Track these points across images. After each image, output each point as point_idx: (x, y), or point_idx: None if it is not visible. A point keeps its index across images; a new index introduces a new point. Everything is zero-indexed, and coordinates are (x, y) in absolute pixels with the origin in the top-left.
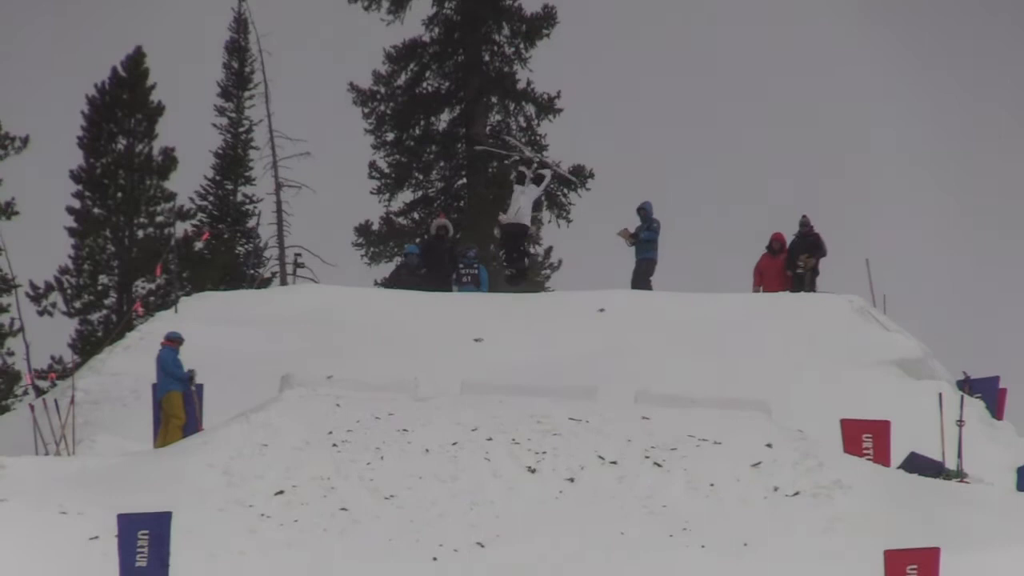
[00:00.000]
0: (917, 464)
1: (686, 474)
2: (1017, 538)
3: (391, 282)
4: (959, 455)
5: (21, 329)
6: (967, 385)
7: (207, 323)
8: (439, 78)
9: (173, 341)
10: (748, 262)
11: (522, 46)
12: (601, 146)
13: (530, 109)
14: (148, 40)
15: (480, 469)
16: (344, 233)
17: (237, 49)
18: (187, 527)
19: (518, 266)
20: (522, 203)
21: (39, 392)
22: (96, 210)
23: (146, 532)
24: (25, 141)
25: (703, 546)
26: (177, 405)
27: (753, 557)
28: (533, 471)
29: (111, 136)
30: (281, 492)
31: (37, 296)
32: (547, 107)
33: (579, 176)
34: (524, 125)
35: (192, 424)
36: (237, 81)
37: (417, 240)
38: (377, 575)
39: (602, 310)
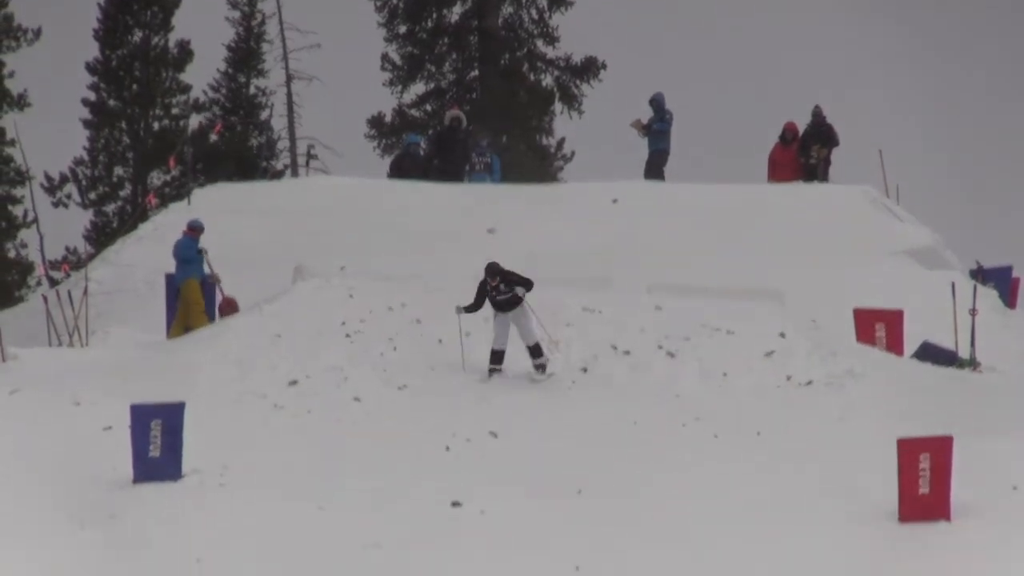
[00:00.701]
0: (930, 353)
1: (699, 364)
2: None
3: (392, 172)
4: (972, 344)
5: (35, 221)
6: (980, 274)
7: (220, 214)
8: None
9: (194, 230)
10: (761, 153)
11: None
12: (614, 38)
13: (542, 1)
14: None
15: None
16: (356, 125)
17: None
18: (200, 418)
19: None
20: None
21: (53, 283)
22: (111, 102)
23: (159, 422)
24: (38, 33)
25: (716, 435)
26: (195, 291)
27: (766, 446)
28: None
29: (127, 28)
30: (295, 382)
31: (51, 188)
32: None
33: (592, 68)
34: (536, 17)
35: (211, 311)
36: None
37: (429, 131)
38: (390, 464)
39: (615, 201)
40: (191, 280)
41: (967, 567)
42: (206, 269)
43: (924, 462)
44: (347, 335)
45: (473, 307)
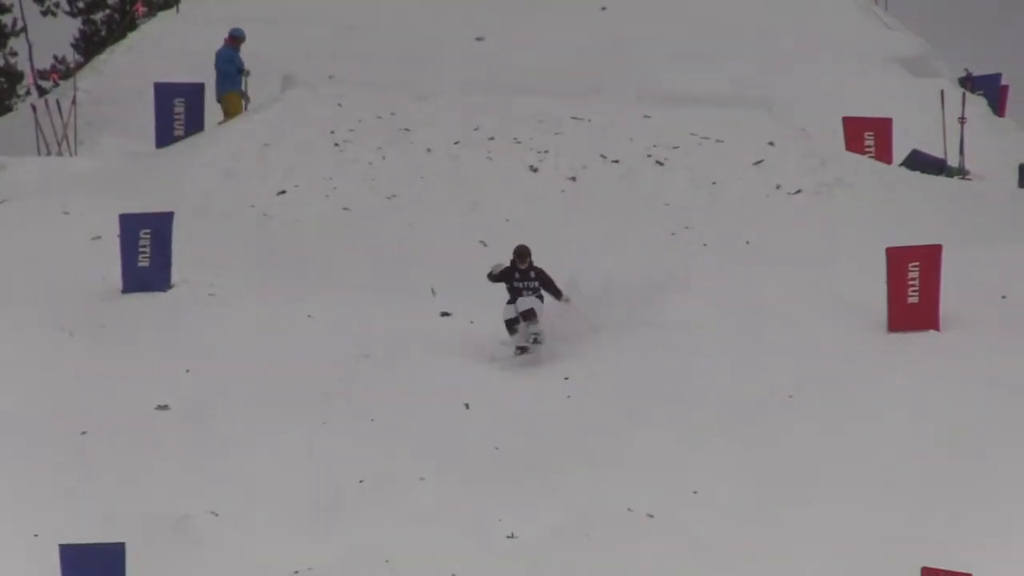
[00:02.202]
0: (919, 161)
1: (688, 172)
2: (1018, 235)
3: None
4: (961, 152)
5: (24, 29)
6: (969, 82)
7: (208, 24)
8: None
9: (234, 39)
10: None
11: None
12: None
13: None
14: None
15: (482, 168)
16: None
17: None
18: (189, 228)
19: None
20: None
21: (41, 92)
22: None
23: (148, 232)
24: None
25: (705, 244)
26: (235, 104)
27: (755, 254)
28: (535, 170)
29: None
30: (283, 192)
31: None
32: None
33: None
34: None
35: None
36: None
37: None
38: (381, 273)
39: (604, 8)
40: (231, 94)
41: (956, 374)
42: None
43: (913, 271)
44: (336, 144)
45: (498, 278)
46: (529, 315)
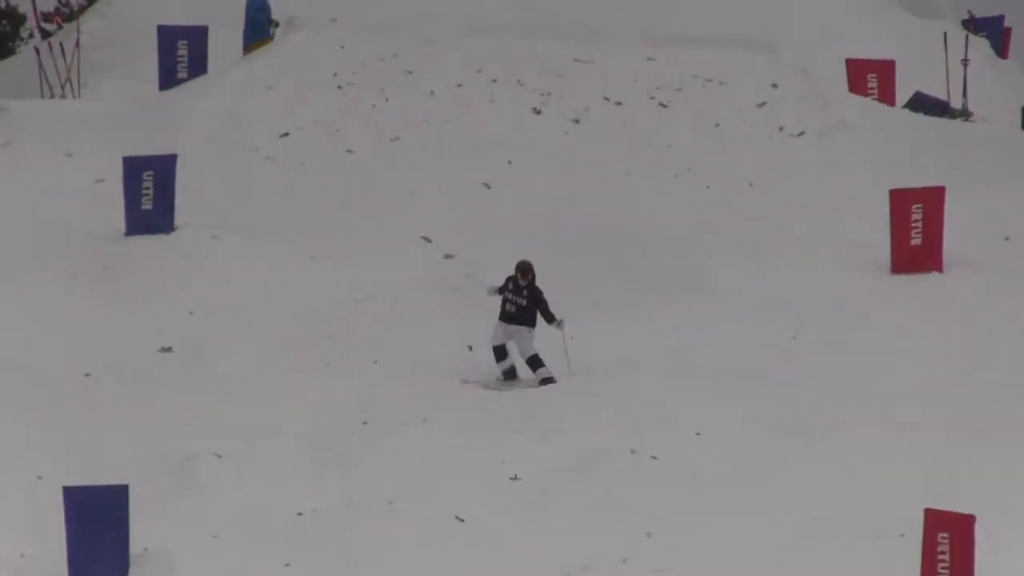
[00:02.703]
0: (922, 103)
1: (691, 114)
2: (1021, 176)
3: None
4: (964, 94)
5: None
6: (972, 24)
7: None
8: None
9: None
10: None
11: None
12: None
13: None
14: None
15: (485, 111)
16: None
17: None
18: (192, 170)
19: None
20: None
21: (45, 35)
22: None
23: (151, 174)
24: None
25: (708, 186)
26: None
27: (758, 196)
28: (538, 112)
29: None
30: (286, 135)
31: None
32: None
33: None
34: None
35: None
36: None
37: None
38: (383, 215)
39: None
40: (262, 42)
41: (958, 316)
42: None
43: (916, 213)
44: (339, 87)
45: (500, 291)
46: (534, 363)
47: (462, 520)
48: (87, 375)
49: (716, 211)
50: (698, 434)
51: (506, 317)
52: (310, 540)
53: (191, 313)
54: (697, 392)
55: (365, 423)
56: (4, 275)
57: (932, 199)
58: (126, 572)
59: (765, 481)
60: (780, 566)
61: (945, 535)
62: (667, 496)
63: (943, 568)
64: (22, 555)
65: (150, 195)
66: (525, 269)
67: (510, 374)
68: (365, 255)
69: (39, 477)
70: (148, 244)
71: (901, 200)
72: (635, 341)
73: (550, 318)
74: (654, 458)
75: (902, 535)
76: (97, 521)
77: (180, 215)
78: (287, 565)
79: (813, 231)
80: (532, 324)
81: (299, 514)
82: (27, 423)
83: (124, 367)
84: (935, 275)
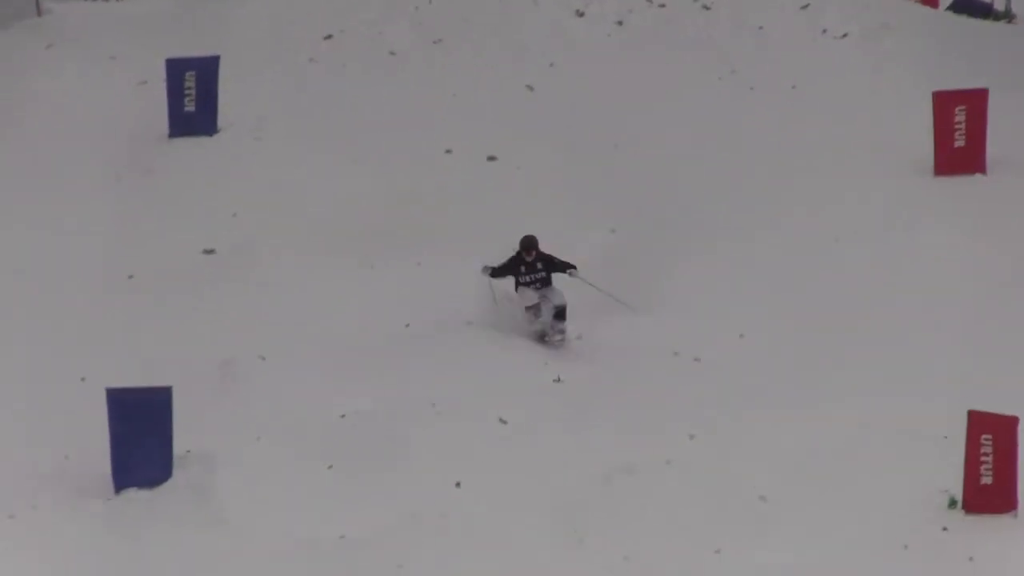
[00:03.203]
0: (965, 5)
1: (734, 15)
2: None
3: None
4: None
5: None
6: None
7: None
8: None
9: None
10: None
11: None
12: None
13: None
14: None
15: (528, 13)
16: None
17: None
18: (236, 72)
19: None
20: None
21: None
22: None
23: (194, 75)
24: None
25: (752, 88)
26: None
27: (801, 99)
28: (581, 15)
29: None
30: (330, 36)
31: None
32: None
33: None
34: None
35: None
36: None
37: None
38: (426, 119)
39: None
40: None
41: (1002, 218)
42: None
43: (960, 115)
44: None
45: (500, 272)
46: (561, 313)
47: (505, 422)
48: (130, 277)
49: (759, 113)
50: (742, 336)
51: (528, 285)
52: (352, 442)
53: (234, 215)
54: (740, 292)
55: (407, 325)
56: (48, 177)
57: (975, 101)
58: (169, 474)
59: (807, 384)
60: (826, 466)
61: (988, 436)
62: (710, 398)
63: (986, 469)
64: (66, 457)
65: (193, 97)
66: (529, 245)
67: (543, 335)
68: (408, 156)
69: (82, 379)
70: (191, 146)
71: (944, 102)
72: (676, 234)
73: (566, 267)
74: (697, 360)
75: (945, 437)
76: (140, 423)
77: (223, 117)
78: (330, 467)
79: (855, 133)
80: (557, 296)
81: (342, 416)
82: (70, 325)
83: (167, 269)
84: (978, 177)
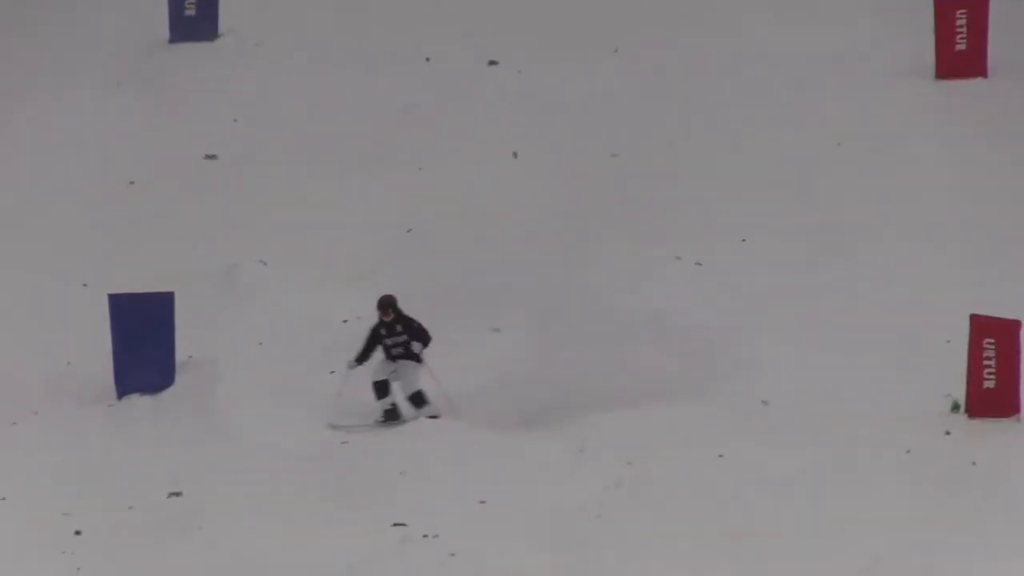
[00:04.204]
0: None
1: None
2: None
3: None
4: None
5: None
6: None
7: None
8: None
9: None
10: None
11: None
12: None
13: None
14: None
15: None
16: None
17: None
18: None
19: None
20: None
21: None
22: None
23: None
24: None
25: None
26: None
27: (804, 4)
28: None
29: None
30: None
31: None
32: None
33: None
34: None
35: None
36: None
37: None
38: (423, 28)
39: None
40: None
41: (1003, 119)
42: None
43: (961, 19)
44: None
45: (363, 356)
46: (418, 400)
47: (498, 330)
48: (131, 183)
49: (761, 21)
50: (744, 240)
51: (391, 357)
52: (355, 346)
53: (235, 121)
54: (741, 196)
55: (409, 231)
56: (48, 85)
57: (976, 5)
58: (171, 379)
59: (810, 287)
60: (829, 372)
61: (991, 340)
62: (709, 301)
63: (989, 374)
64: (68, 363)
65: (193, 1)
66: (385, 304)
67: (392, 414)
68: (408, 60)
69: (84, 285)
70: (192, 51)
71: (946, 6)
72: (676, 142)
73: (427, 339)
74: (698, 264)
75: (948, 341)
76: (142, 329)
77: (224, 22)
78: (332, 372)
79: (857, 39)
80: (418, 359)
81: (344, 321)
82: (71, 232)
83: (168, 175)
84: (980, 80)
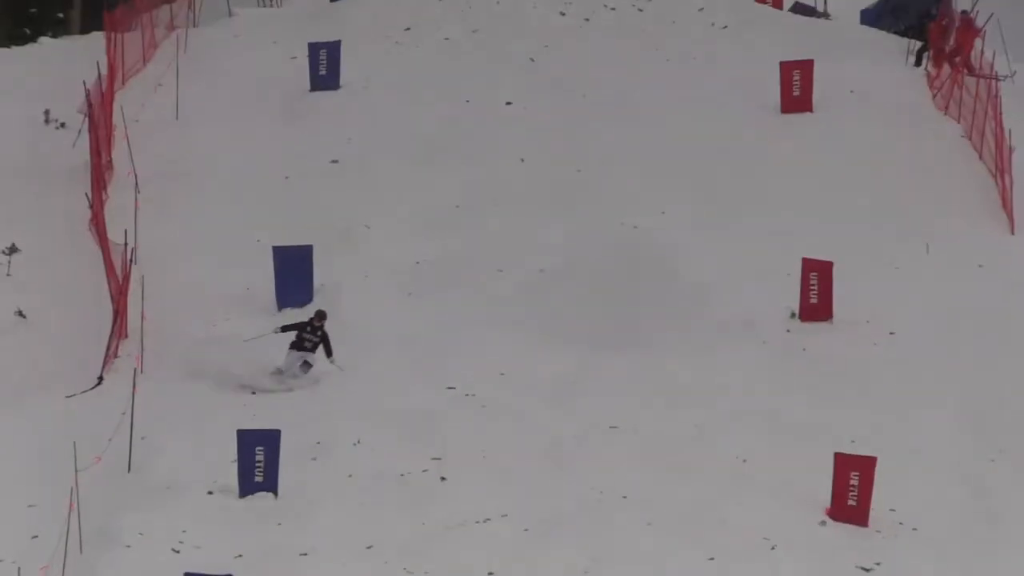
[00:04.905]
0: (800, 8)
1: (657, 14)
2: (857, 49)
3: None
4: (824, 4)
5: None
6: None
7: None
8: None
9: None
10: None
11: None
12: None
13: None
14: None
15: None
16: None
17: None
18: (352, 46)
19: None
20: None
21: None
22: None
23: (326, 51)
24: None
25: (667, 60)
26: None
27: (698, 65)
28: None
29: None
30: (408, 28)
31: None
32: None
33: None
34: None
35: None
36: None
37: None
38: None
39: None
40: None
41: (825, 136)
42: None
43: (796, 76)
44: None
45: (285, 330)
46: (306, 367)
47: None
48: (286, 178)
49: (669, 76)
50: (663, 213)
51: (300, 348)
52: (426, 278)
53: (349, 140)
54: (661, 184)
55: (457, 207)
56: (229, 116)
57: (805, 67)
58: (311, 298)
59: (709, 245)
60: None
61: (815, 274)
62: (640, 263)
63: (814, 294)
64: (247, 288)
65: (325, 64)
66: (322, 315)
67: (278, 370)
68: (458, 98)
69: (257, 240)
70: (323, 95)
71: (786, 68)
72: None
73: (330, 354)
74: (635, 227)
75: (789, 274)
76: (294, 267)
77: (343, 77)
78: (409, 294)
79: (731, 85)
80: (313, 359)
81: (417, 263)
82: (247, 207)
83: (309, 173)
84: (808, 114)
